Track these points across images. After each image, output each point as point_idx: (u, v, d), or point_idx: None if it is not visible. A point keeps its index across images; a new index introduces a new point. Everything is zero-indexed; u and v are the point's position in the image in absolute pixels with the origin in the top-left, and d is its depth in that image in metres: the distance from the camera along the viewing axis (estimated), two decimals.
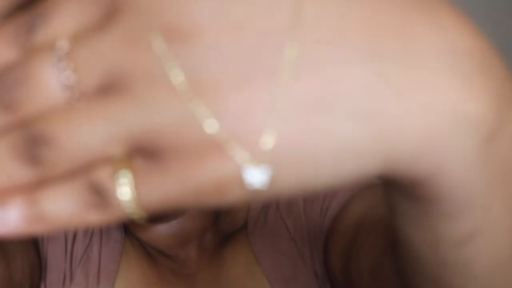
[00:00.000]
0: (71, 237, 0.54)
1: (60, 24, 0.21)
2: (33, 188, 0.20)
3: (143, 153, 0.20)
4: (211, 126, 0.19)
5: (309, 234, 0.55)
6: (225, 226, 0.57)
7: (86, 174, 0.20)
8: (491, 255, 0.25)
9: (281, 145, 0.19)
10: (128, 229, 0.55)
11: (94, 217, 0.20)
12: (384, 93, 0.19)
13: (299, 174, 0.20)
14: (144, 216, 0.20)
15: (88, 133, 0.19)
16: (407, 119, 0.19)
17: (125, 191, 0.20)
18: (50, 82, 0.20)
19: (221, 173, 0.19)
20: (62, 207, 0.20)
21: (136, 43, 0.19)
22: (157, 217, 0.51)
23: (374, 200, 0.48)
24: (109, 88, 0.20)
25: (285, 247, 0.55)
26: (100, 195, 0.20)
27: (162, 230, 0.53)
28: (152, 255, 0.56)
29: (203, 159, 0.19)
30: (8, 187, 0.20)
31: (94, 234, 0.55)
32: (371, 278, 0.43)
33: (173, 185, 0.19)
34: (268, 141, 0.19)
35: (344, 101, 0.19)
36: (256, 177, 0.19)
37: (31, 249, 0.51)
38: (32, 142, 0.20)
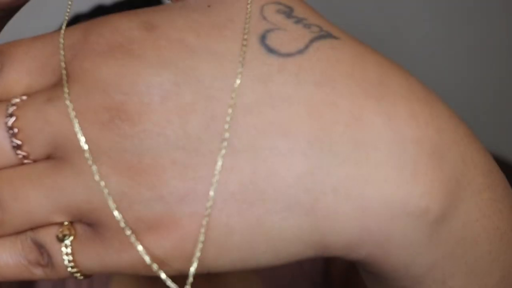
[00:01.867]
0: None
1: (15, 77, 0.21)
2: None
3: (84, 222, 0.20)
4: (150, 208, 0.19)
5: None
6: None
7: (33, 233, 0.21)
8: None
9: (214, 230, 0.19)
10: None
11: (40, 274, 0.21)
12: (321, 188, 0.19)
13: (233, 258, 0.20)
14: (85, 277, 0.21)
15: (32, 200, 0.20)
16: (341, 213, 0.19)
17: (66, 255, 0.20)
18: None
19: (155, 254, 0.20)
20: (8, 261, 0.21)
21: (82, 117, 0.19)
22: None
23: None
24: (55, 156, 0.20)
25: None
26: (45, 254, 0.21)
27: None
28: None
29: (140, 240, 0.19)
30: None
31: None
32: None
33: (109, 257, 0.20)
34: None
35: (279, 192, 0.19)
36: None
37: None
38: None
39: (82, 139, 0.19)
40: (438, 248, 0.21)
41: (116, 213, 0.19)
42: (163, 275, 0.20)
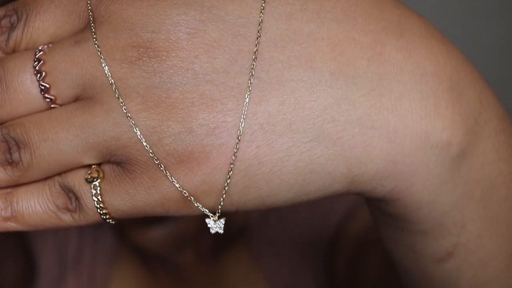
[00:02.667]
0: (62, 240, 0.53)
1: (41, 26, 0.21)
2: (8, 189, 0.21)
3: (114, 162, 0.21)
4: (180, 142, 0.19)
5: (312, 239, 0.54)
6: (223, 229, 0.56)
7: (60, 178, 0.21)
8: (476, 271, 0.24)
9: (244, 162, 0.20)
10: (122, 233, 0.54)
11: (68, 220, 0.21)
12: (346, 119, 0.19)
13: (261, 191, 0.20)
14: (115, 221, 0.21)
15: (61, 141, 0.20)
16: (368, 144, 0.20)
17: (95, 196, 0.20)
18: (26, 85, 0.20)
19: (185, 189, 0.20)
20: (36, 208, 0.21)
21: (111, 56, 0.20)
22: (151, 218, 0.51)
23: None
24: (83, 96, 0.20)
25: (286, 253, 0.54)
26: (73, 198, 0.21)
27: (156, 233, 0.52)
28: (147, 261, 0.55)
29: (170, 172, 0.20)
30: None
31: (87, 237, 0.54)
32: (378, 285, 0.42)
33: (140, 196, 0.20)
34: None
35: (307, 124, 0.19)
36: (215, 226, 0.21)
37: (21, 254, 0.50)
38: (8, 145, 0.20)
39: (111, 77, 0.19)
40: (459, 187, 0.22)
41: (146, 147, 0.19)
42: (195, 204, 0.20)
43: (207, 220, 0.21)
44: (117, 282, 0.53)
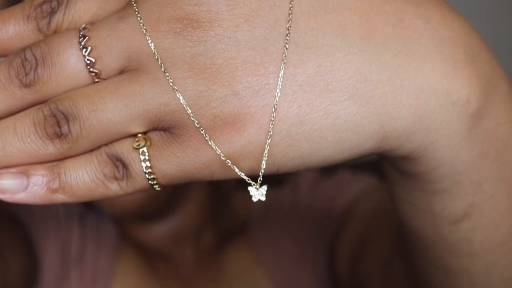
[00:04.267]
0: (65, 236, 0.53)
1: (82, 7, 0.22)
2: (56, 161, 0.22)
3: (161, 129, 0.22)
4: (226, 104, 0.21)
5: (313, 234, 0.54)
6: (224, 224, 0.56)
7: (107, 147, 0.22)
8: (488, 232, 0.26)
9: (286, 122, 0.21)
10: (124, 230, 0.55)
11: (115, 188, 0.22)
12: (378, 78, 0.21)
13: (302, 150, 0.21)
14: (161, 187, 0.22)
15: (110, 111, 0.21)
16: (398, 101, 0.21)
17: (143, 162, 0.21)
18: (72, 60, 0.21)
19: (231, 150, 0.21)
20: (84, 178, 0.22)
21: (156, 29, 0.21)
22: (152, 214, 0.51)
23: (383, 201, 0.48)
24: (129, 68, 0.21)
25: (287, 248, 0.55)
26: (121, 167, 0.22)
27: (157, 228, 0.53)
28: (149, 257, 0.55)
29: (217, 137, 0.21)
30: (32, 162, 0.22)
31: (89, 234, 0.54)
32: (380, 279, 0.43)
33: (188, 159, 0.21)
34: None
35: (343, 84, 0.21)
36: (258, 194, 0.22)
37: (24, 249, 0.50)
38: (56, 119, 0.21)
39: (157, 48, 0.21)
40: (476, 145, 0.23)
41: (190, 114, 0.21)
42: (237, 171, 0.21)
43: (249, 188, 0.22)
44: (119, 278, 0.54)
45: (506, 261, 0.27)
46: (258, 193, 0.22)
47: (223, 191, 0.56)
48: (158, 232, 0.53)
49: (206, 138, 0.21)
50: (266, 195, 0.22)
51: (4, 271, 0.46)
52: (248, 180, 0.22)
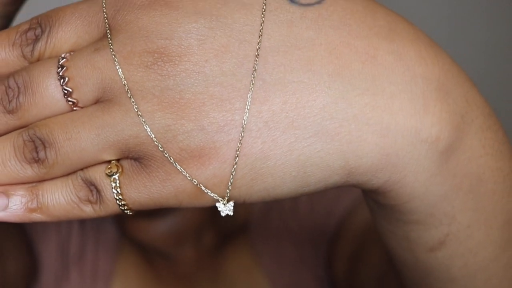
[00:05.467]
0: (65, 236, 0.54)
1: (63, 37, 0.23)
2: (33, 183, 0.23)
3: (132, 158, 0.22)
4: (192, 139, 0.21)
5: (313, 237, 0.55)
6: (223, 224, 0.57)
7: (83, 172, 0.23)
8: (466, 259, 0.26)
9: (250, 157, 0.21)
10: (124, 230, 0.55)
11: (89, 211, 0.23)
12: (343, 116, 0.21)
13: (266, 184, 0.22)
14: (133, 212, 0.23)
15: (83, 140, 0.22)
16: (363, 139, 0.21)
17: (114, 189, 0.22)
18: (50, 90, 0.22)
19: (199, 180, 0.22)
20: (60, 200, 0.23)
21: (128, 61, 0.21)
22: (152, 212, 0.52)
23: None
24: (103, 99, 0.22)
25: (287, 250, 0.55)
26: (95, 191, 0.23)
27: (157, 228, 0.53)
28: (149, 257, 0.56)
29: (183, 168, 0.22)
30: (12, 183, 0.23)
31: (89, 233, 0.55)
32: (378, 284, 0.44)
33: (156, 188, 0.22)
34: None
35: (308, 121, 0.21)
36: (225, 209, 0.23)
37: (24, 249, 0.51)
38: (34, 145, 0.22)
39: (128, 81, 0.21)
40: (447, 180, 0.23)
41: (158, 145, 0.21)
42: (210, 194, 0.22)
43: (217, 204, 0.22)
44: (119, 277, 0.55)
45: (488, 286, 0.28)
46: (225, 208, 0.23)
47: None
48: (158, 231, 0.53)
49: (178, 168, 0.22)
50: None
51: (3, 270, 0.47)
52: (216, 196, 0.22)
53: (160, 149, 0.21)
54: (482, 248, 0.26)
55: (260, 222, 0.57)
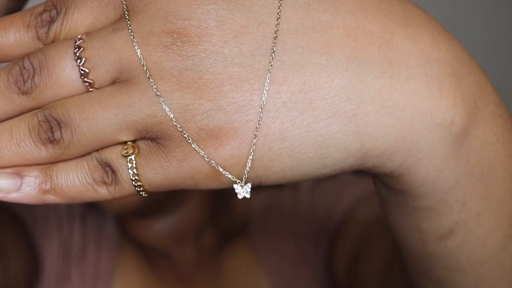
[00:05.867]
0: (66, 235, 0.54)
1: (79, 18, 0.23)
2: (48, 163, 0.23)
3: (149, 138, 0.22)
4: (211, 118, 0.21)
5: (313, 236, 0.55)
6: (224, 223, 0.57)
7: (98, 153, 0.23)
8: (475, 248, 0.26)
9: (269, 137, 0.21)
10: (125, 229, 0.55)
11: (104, 192, 0.23)
12: (361, 98, 0.21)
13: (284, 165, 0.22)
14: (148, 194, 0.23)
15: (100, 120, 0.22)
16: (380, 121, 0.22)
17: (131, 169, 0.22)
18: (67, 70, 0.22)
19: (216, 161, 0.22)
20: (74, 181, 0.23)
21: (147, 42, 0.21)
22: (152, 212, 0.52)
23: None
24: (120, 79, 0.22)
25: (287, 248, 0.55)
26: (110, 172, 0.23)
27: (158, 227, 0.54)
28: (150, 256, 0.56)
29: (201, 148, 0.22)
30: (26, 164, 0.23)
31: (90, 233, 0.55)
32: (378, 283, 0.44)
33: (173, 169, 0.22)
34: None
35: (325, 102, 0.21)
36: (242, 192, 0.22)
37: (26, 248, 0.51)
38: (50, 125, 0.22)
39: (146, 61, 0.21)
40: (460, 165, 0.24)
41: (177, 124, 0.21)
42: (228, 176, 0.22)
43: (234, 186, 0.22)
44: (120, 277, 0.54)
45: (495, 275, 0.28)
46: (243, 190, 0.22)
47: (224, 191, 0.57)
48: (159, 230, 0.54)
49: (195, 148, 0.22)
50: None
51: (5, 270, 0.47)
52: (233, 178, 0.22)
53: (179, 128, 0.21)
54: (491, 237, 0.26)
55: (260, 221, 0.57)
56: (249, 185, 0.22)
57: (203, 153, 0.21)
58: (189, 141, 0.21)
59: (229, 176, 0.22)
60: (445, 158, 0.23)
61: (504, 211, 0.26)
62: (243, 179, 0.22)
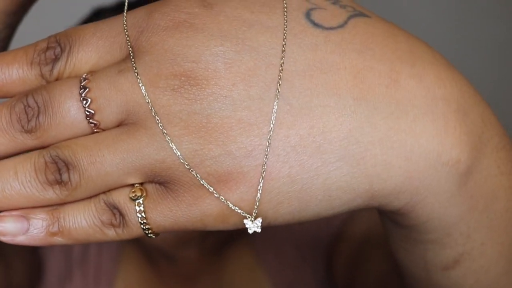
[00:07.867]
0: None
1: (84, 57, 0.23)
2: (54, 206, 0.23)
3: (157, 182, 0.22)
4: (220, 164, 0.21)
5: (314, 238, 0.55)
6: None
7: (105, 196, 0.23)
8: (478, 276, 0.27)
9: (278, 181, 0.21)
10: None
11: (112, 234, 0.23)
12: (369, 140, 0.21)
13: (292, 207, 0.22)
14: (156, 235, 0.23)
15: (108, 164, 0.22)
16: (388, 162, 0.22)
17: (139, 213, 0.22)
18: (72, 111, 0.22)
19: (224, 206, 0.22)
20: (82, 223, 0.23)
21: (154, 84, 0.21)
22: None
23: None
24: (127, 122, 0.22)
25: (289, 251, 0.55)
26: (118, 215, 0.23)
27: None
28: (152, 258, 0.56)
29: (210, 192, 0.22)
30: (31, 205, 0.23)
31: None
32: (377, 286, 0.44)
33: (182, 213, 0.22)
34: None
35: (334, 146, 0.21)
36: (253, 226, 0.22)
37: (29, 250, 0.51)
38: (57, 166, 0.22)
39: (154, 105, 0.21)
40: (465, 200, 0.24)
41: (190, 169, 0.21)
42: (239, 212, 0.22)
43: (245, 221, 0.22)
44: (122, 278, 0.54)
45: None
46: (253, 225, 0.22)
47: None
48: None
49: (210, 190, 0.21)
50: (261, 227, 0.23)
51: (8, 271, 0.47)
52: (243, 213, 0.22)
53: (193, 173, 0.21)
54: (494, 264, 0.27)
55: None
56: (260, 219, 0.22)
57: (217, 194, 0.21)
58: (204, 184, 0.21)
59: (239, 211, 0.22)
60: (450, 195, 0.23)
61: (506, 239, 0.26)
62: (253, 216, 0.22)
